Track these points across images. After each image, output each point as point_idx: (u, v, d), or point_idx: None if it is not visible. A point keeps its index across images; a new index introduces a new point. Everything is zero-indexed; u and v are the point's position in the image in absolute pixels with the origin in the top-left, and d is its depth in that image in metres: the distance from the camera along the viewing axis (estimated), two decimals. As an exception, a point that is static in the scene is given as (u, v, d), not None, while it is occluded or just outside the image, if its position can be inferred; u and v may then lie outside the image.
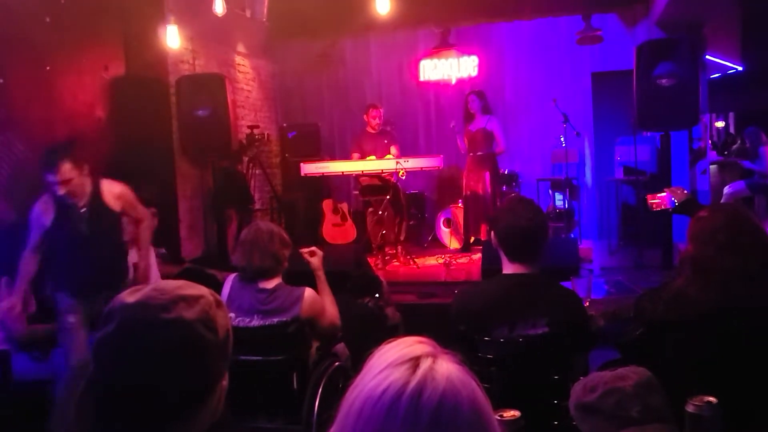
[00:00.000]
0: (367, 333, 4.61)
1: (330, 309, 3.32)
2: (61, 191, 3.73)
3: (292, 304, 3.11)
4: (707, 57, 8.05)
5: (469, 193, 7.46)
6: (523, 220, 2.51)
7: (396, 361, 0.93)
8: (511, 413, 1.53)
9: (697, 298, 2.20)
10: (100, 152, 5.77)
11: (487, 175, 7.29)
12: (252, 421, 3.16)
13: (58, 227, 3.82)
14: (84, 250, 3.89)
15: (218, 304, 1.16)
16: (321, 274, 3.43)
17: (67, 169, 3.72)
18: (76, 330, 3.88)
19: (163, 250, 5.63)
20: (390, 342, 0.99)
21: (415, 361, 0.92)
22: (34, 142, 5.00)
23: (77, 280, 3.92)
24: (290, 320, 3.09)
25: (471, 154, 7.41)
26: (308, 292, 3.16)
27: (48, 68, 5.23)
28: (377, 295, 4.92)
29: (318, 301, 3.22)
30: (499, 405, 1.57)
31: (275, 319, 3.09)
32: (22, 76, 5.00)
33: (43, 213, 3.82)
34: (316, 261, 3.44)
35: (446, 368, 0.93)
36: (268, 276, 3.14)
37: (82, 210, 3.86)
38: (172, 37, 6.37)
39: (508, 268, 2.58)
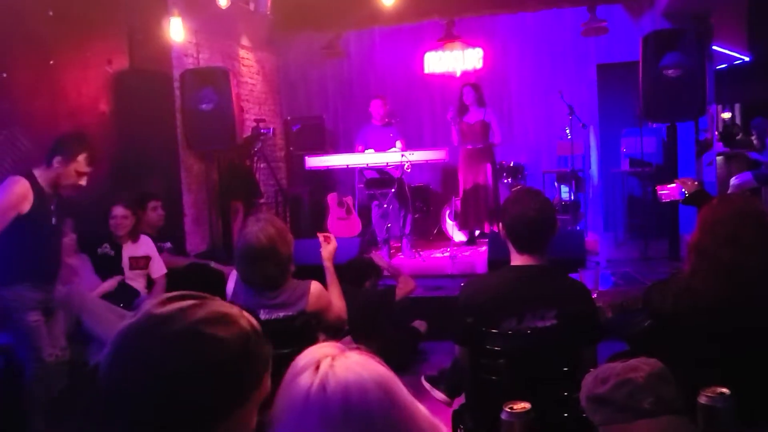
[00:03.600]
0: (375, 317, 4.62)
1: (337, 302, 3.28)
2: (74, 185, 3.74)
3: (298, 298, 3.07)
4: (714, 47, 8.00)
5: (468, 186, 7.44)
6: (531, 211, 2.49)
7: (301, 370, 1.03)
8: (522, 405, 1.51)
9: (703, 289, 2.18)
10: (104, 146, 5.77)
11: (488, 167, 7.28)
12: (259, 415, 3.15)
13: (33, 216, 3.66)
14: (51, 241, 3.86)
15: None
16: (330, 265, 3.38)
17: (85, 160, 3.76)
18: (41, 325, 3.75)
19: (169, 244, 5.62)
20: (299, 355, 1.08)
21: (316, 364, 1.02)
22: (38, 136, 4.99)
23: (45, 270, 3.84)
24: (296, 314, 3.06)
25: (469, 146, 7.38)
26: (314, 285, 3.12)
27: (51, 62, 5.22)
28: (374, 276, 4.93)
29: (324, 294, 3.19)
30: (508, 397, 1.56)
31: (281, 314, 3.05)
32: (25, 71, 4.98)
33: (23, 198, 3.63)
34: (328, 250, 3.39)
35: (347, 361, 1.02)
36: (278, 285, 3.07)
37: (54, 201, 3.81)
38: (176, 30, 6.35)
39: (516, 260, 2.56)
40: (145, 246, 4.97)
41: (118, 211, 4.83)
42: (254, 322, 1.07)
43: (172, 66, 6.78)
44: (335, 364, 1.01)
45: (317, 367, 1.01)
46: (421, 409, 1.05)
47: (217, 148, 6.86)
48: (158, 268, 5.00)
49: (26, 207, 3.62)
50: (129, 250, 4.88)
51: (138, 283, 4.86)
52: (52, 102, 5.24)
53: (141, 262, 4.90)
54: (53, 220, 3.83)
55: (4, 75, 4.73)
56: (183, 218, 6.85)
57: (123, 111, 5.96)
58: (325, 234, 3.43)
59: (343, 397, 0.96)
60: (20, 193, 3.61)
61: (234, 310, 1.05)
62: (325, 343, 1.09)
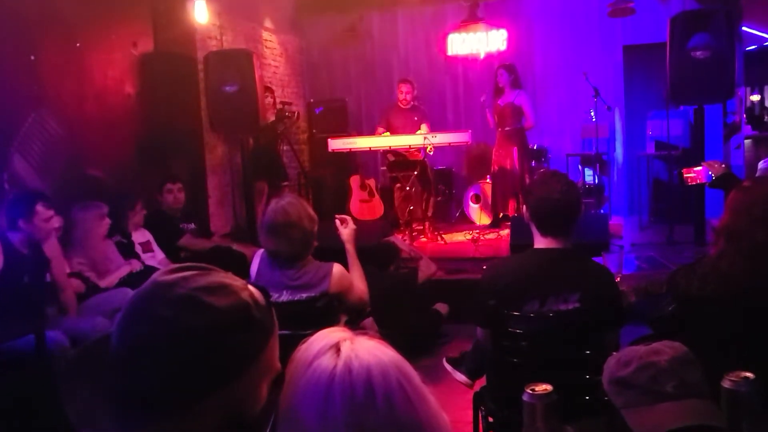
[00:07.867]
0: (398, 300, 4.63)
1: (358, 284, 3.30)
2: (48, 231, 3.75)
3: (321, 280, 3.10)
4: (743, 28, 7.84)
5: (497, 168, 7.41)
6: (555, 193, 2.47)
7: (320, 352, 1.02)
8: (543, 387, 1.51)
9: (732, 271, 2.16)
10: (129, 129, 5.83)
11: (516, 150, 7.22)
12: (279, 394, 3.18)
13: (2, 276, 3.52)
14: (28, 288, 3.66)
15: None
16: (351, 248, 3.39)
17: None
18: None
19: (193, 225, 5.68)
20: (307, 339, 1.08)
21: (336, 346, 1.03)
22: (66, 118, 5.05)
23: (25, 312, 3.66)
24: (318, 295, 3.08)
25: (500, 129, 7.34)
26: (336, 267, 3.15)
27: (78, 45, 5.26)
28: (398, 259, 4.96)
29: (346, 276, 3.21)
30: (529, 379, 1.56)
31: (304, 295, 3.08)
32: (53, 53, 5.03)
33: None
34: (347, 233, 3.40)
35: (366, 344, 1.03)
36: (299, 260, 3.11)
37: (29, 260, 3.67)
38: (201, 12, 6.36)
39: (540, 243, 2.55)
40: (143, 232, 5.23)
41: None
42: (258, 295, 1.10)
43: (196, 48, 6.80)
44: (355, 346, 1.02)
45: (338, 350, 1.02)
46: (430, 394, 1.07)
47: (240, 130, 6.88)
48: (158, 251, 5.24)
49: None
50: (136, 237, 5.13)
51: (154, 263, 5.07)
52: (79, 84, 5.29)
53: (148, 246, 5.18)
54: (25, 278, 3.64)
55: (32, 57, 4.78)
56: (207, 200, 6.90)
57: (148, 93, 6.00)
58: (342, 216, 3.44)
59: (366, 379, 0.98)
60: None
61: (237, 282, 1.08)
62: (335, 328, 1.09)
